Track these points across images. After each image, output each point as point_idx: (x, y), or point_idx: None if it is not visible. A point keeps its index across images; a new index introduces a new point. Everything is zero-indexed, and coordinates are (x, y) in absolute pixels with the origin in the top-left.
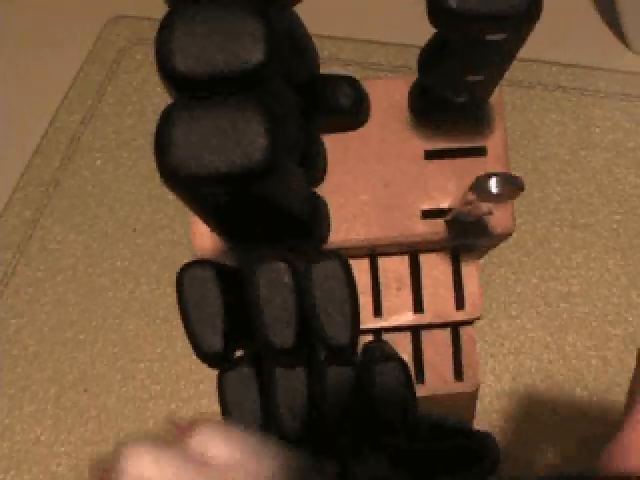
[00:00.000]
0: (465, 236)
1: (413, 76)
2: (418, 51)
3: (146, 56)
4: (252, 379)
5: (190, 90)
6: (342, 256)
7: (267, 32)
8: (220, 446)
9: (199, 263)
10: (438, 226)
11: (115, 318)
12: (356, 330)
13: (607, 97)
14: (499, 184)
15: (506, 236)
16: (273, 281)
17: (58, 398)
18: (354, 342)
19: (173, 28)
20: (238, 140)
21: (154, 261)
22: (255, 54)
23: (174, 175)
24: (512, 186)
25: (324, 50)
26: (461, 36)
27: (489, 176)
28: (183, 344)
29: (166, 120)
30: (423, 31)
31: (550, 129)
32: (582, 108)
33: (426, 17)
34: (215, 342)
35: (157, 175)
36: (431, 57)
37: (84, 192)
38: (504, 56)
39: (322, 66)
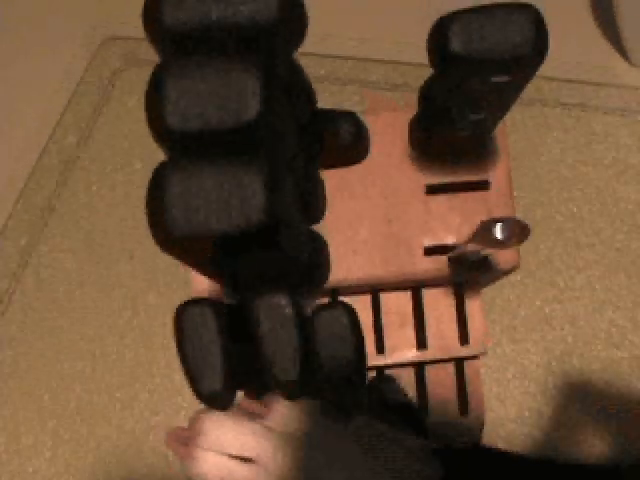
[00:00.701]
0: (469, 272)
1: (413, 110)
2: (417, 69)
3: (141, 77)
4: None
5: (183, 147)
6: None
7: (262, 87)
8: (297, 420)
9: (197, 302)
10: (441, 263)
11: (113, 346)
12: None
13: (608, 113)
14: (504, 230)
15: (511, 271)
16: (275, 315)
17: (56, 430)
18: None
19: (165, 82)
20: (235, 200)
21: (152, 289)
22: (249, 110)
23: (168, 238)
24: (518, 232)
25: (322, 69)
26: (464, 78)
27: (494, 222)
28: (182, 374)
29: (159, 180)
30: (422, 50)
31: (551, 147)
32: (583, 124)
33: (424, 37)
34: (214, 382)
35: None
36: (432, 95)
37: (80, 218)
38: (508, 96)
39: (320, 85)
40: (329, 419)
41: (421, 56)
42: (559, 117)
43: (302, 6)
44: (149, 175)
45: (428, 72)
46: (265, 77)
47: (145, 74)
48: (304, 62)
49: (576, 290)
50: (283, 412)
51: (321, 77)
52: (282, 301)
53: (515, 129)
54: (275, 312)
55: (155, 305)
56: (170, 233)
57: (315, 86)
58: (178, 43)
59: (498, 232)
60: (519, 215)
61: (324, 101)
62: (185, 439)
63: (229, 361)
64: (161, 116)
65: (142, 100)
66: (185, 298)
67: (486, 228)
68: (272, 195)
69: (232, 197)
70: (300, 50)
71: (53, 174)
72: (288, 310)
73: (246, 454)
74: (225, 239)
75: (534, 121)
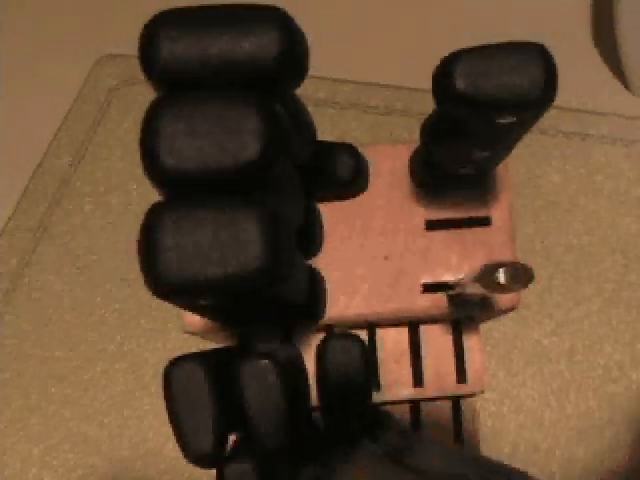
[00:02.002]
0: (467, 311)
1: (414, 143)
2: (417, 95)
3: (137, 96)
4: (252, 474)
5: (178, 188)
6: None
7: (262, 126)
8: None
9: (188, 359)
10: (440, 300)
11: (103, 372)
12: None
13: (610, 143)
14: (507, 275)
15: (510, 310)
16: (259, 381)
17: (42, 457)
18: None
19: (160, 120)
20: (231, 248)
21: (144, 314)
22: (249, 150)
23: (161, 285)
24: (521, 277)
25: (320, 92)
26: (468, 118)
27: (497, 266)
28: None
29: (152, 223)
30: (422, 74)
31: (551, 176)
32: (584, 154)
33: (422, 59)
34: (204, 444)
35: None
36: (434, 132)
37: (72, 239)
38: (513, 136)
39: (318, 109)
40: None
41: (422, 81)
42: (559, 146)
43: (304, 43)
44: (144, 197)
45: (429, 98)
46: (265, 116)
47: (142, 93)
48: (302, 84)
49: (574, 323)
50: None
51: (320, 100)
52: (267, 367)
53: (514, 158)
54: (259, 379)
55: (147, 330)
56: (162, 282)
57: (313, 110)
58: (175, 78)
59: (501, 277)
60: (517, 246)
61: (322, 125)
62: None
63: (220, 422)
64: (155, 155)
65: (138, 120)
66: (177, 325)
67: (489, 272)
68: (271, 242)
69: (228, 245)
70: None
71: (46, 194)
72: (272, 378)
73: None
74: (223, 293)
75: (534, 150)
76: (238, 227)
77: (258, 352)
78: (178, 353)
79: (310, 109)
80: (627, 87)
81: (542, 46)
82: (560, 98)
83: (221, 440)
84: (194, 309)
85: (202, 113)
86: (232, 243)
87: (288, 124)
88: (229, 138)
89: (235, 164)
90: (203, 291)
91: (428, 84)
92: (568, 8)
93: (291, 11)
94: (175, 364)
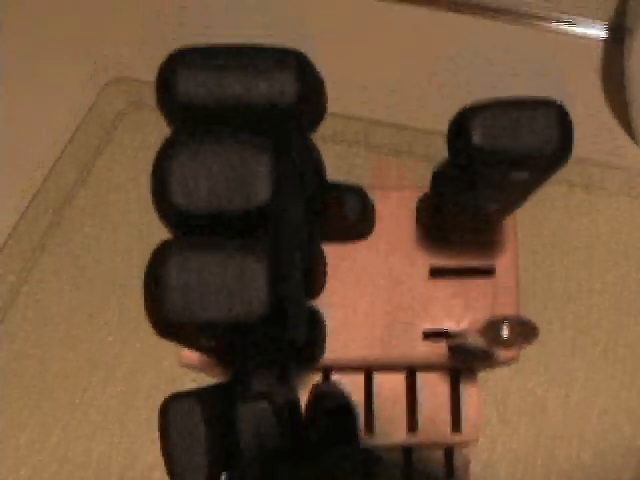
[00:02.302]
0: (467, 361)
1: (423, 188)
2: (425, 136)
3: (145, 121)
4: None
5: (187, 227)
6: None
7: (275, 171)
8: None
9: (186, 397)
10: (440, 348)
11: (95, 392)
12: None
13: (614, 195)
14: (511, 331)
15: (510, 363)
16: (256, 423)
17: (30, 478)
18: None
19: (173, 159)
20: (237, 290)
21: (140, 340)
22: (260, 194)
23: (165, 325)
24: (525, 334)
25: (328, 128)
26: (481, 172)
27: (501, 322)
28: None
29: (159, 261)
30: (431, 116)
31: (553, 226)
32: (587, 205)
33: (434, 101)
34: None
35: (148, 247)
36: (446, 181)
37: (72, 258)
38: (524, 192)
39: (325, 145)
40: None
41: (430, 122)
42: (564, 196)
43: (323, 88)
44: (146, 220)
45: (436, 140)
46: (278, 161)
47: (149, 118)
48: None
49: (570, 374)
50: None
51: (327, 137)
52: (265, 409)
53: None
54: (256, 421)
55: (141, 355)
56: (166, 321)
57: (319, 145)
58: (190, 116)
59: (505, 332)
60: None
61: (328, 161)
62: None
63: (214, 463)
64: (166, 194)
65: (144, 144)
66: (173, 352)
67: (493, 326)
68: (277, 287)
69: (234, 287)
70: None
71: (47, 212)
72: (269, 420)
73: None
74: (225, 333)
75: (537, 198)
76: (246, 271)
77: (256, 393)
78: (171, 382)
79: (318, 145)
80: (636, 141)
81: (559, 104)
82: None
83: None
84: (195, 348)
85: (215, 154)
86: (239, 287)
87: (301, 169)
88: (241, 181)
89: (245, 208)
90: (206, 333)
91: (435, 125)
92: (579, 58)
93: (303, 47)
94: (173, 400)
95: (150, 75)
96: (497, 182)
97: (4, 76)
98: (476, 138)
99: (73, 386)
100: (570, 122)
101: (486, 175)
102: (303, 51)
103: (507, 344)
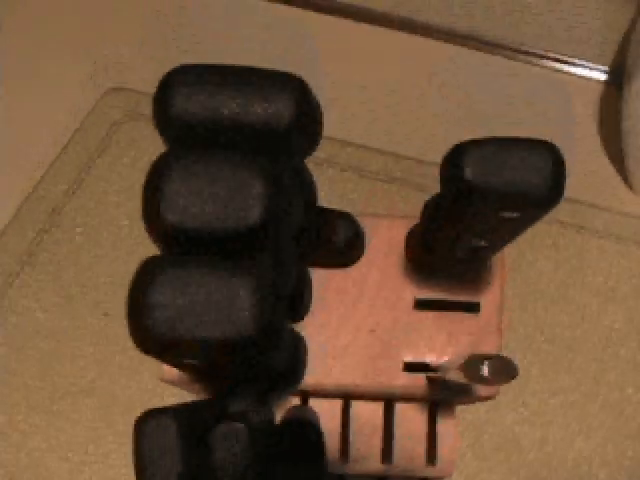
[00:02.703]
0: (446, 395)
1: (413, 218)
2: (418, 165)
3: (140, 133)
4: None
5: (176, 245)
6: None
7: (268, 193)
8: None
9: (162, 414)
10: (420, 380)
11: (72, 405)
12: None
13: (604, 238)
14: (491, 369)
15: (489, 399)
16: (230, 443)
17: None
18: None
19: (166, 175)
20: (225, 312)
21: (121, 351)
22: (252, 215)
23: (147, 342)
24: (505, 373)
25: (322, 151)
26: (472, 208)
27: (482, 359)
28: None
29: (145, 278)
30: (425, 146)
31: (542, 264)
32: (577, 246)
33: (428, 132)
34: None
35: (136, 261)
36: (436, 214)
37: (58, 268)
38: (514, 231)
39: (317, 168)
40: None
41: (423, 153)
42: (554, 235)
43: (319, 113)
44: (135, 233)
45: (429, 169)
46: (271, 183)
47: (145, 130)
48: None
49: (548, 414)
50: None
51: (319, 159)
52: (240, 431)
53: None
54: (231, 441)
55: (122, 368)
56: (149, 339)
57: (312, 168)
58: (185, 134)
59: (485, 370)
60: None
61: (320, 185)
62: None
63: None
64: (157, 211)
65: (138, 157)
66: (154, 365)
67: (473, 363)
68: (264, 308)
69: (221, 307)
70: None
71: (37, 220)
72: (244, 442)
73: None
74: (208, 354)
75: (527, 235)
76: (233, 292)
77: (233, 413)
78: (150, 395)
79: (311, 168)
80: (629, 185)
81: (553, 146)
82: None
83: None
84: (177, 366)
85: (208, 173)
86: (225, 307)
87: (293, 192)
88: (232, 201)
89: (236, 228)
90: (189, 352)
91: (429, 156)
92: (577, 99)
93: (300, 70)
94: (148, 415)
95: (148, 82)
96: (487, 219)
97: (4, 76)
98: (468, 174)
99: (51, 396)
100: (563, 166)
101: (476, 211)
102: (299, 69)
103: (487, 382)
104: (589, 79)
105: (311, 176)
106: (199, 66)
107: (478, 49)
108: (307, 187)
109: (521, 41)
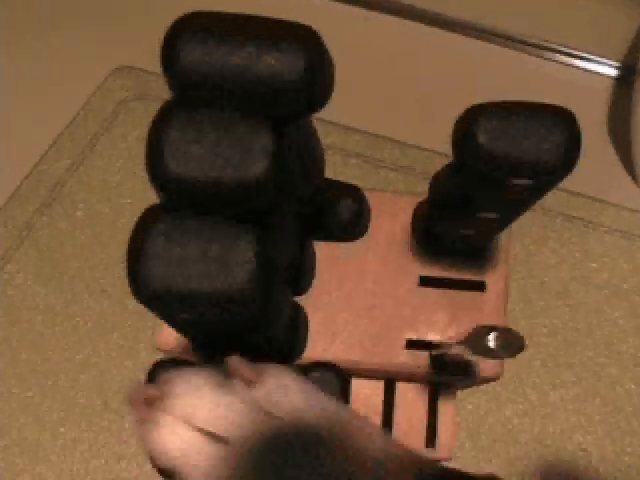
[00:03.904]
0: (448, 374)
1: (421, 195)
2: (425, 154)
3: (145, 112)
4: None
5: (177, 195)
6: None
7: (273, 146)
8: (289, 397)
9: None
10: (421, 359)
11: (66, 381)
12: None
13: (609, 233)
14: (499, 340)
15: (492, 380)
16: None
17: None
18: None
19: (171, 123)
20: (221, 265)
21: (117, 329)
22: (256, 167)
23: (144, 290)
24: (512, 345)
25: (329, 137)
26: (483, 174)
27: (490, 330)
28: (131, 422)
29: (145, 226)
30: (434, 135)
31: (546, 257)
32: (582, 240)
33: (436, 122)
34: None
35: None
36: (446, 184)
37: (57, 243)
38: (524, 201)
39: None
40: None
41: (431, 142)
42: (559, 228)
43: (331, 67)
44: (135, 212)
45: (436, 159)
46: (277, 136)
47: (151, 110)
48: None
49: (548, 407)
50: (276, 388)
51: (326, 145)
52: None
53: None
54: None
55: (117, 346)
56: (145, 287)
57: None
58: (192, 82)
59: (492, 341)
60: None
61: (327, 170)
62: (150, 399)
63: None
64: (160, 158)
65: (142, 136)
66: (150, 345)
67: (480, 334)
68: (260, 268)
69: (217, 262)
70: None
71: (38, 194)
72: None
73: (219, 432)
74: (206, 309)
75: (533, 227)
76: (230, 246)
77: None
78: (145, 374)
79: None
80: (636, 180)
81: (569, 112)
82: (568, 180)
83: None
84: (174, 322)
85: (213, 123)
86: (221, 261)
87: (300, 150)
88: (237, 152)
89: (239, 179)
90: (184, 303)
91: (437, 145)
92: (587, 93)
93: None
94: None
95: (156, 61)
96: (497, 187)
97: (10, 52)
98: (482, 138)
99: (46, 371)
100: (578, 133)
101: (488, 178)
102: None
103: (492, 354)
104: (599, 74)
105: (318, 138)
106: (208, 13)
107: (489, 41)
108: (315, 148)
109: (532, 34)
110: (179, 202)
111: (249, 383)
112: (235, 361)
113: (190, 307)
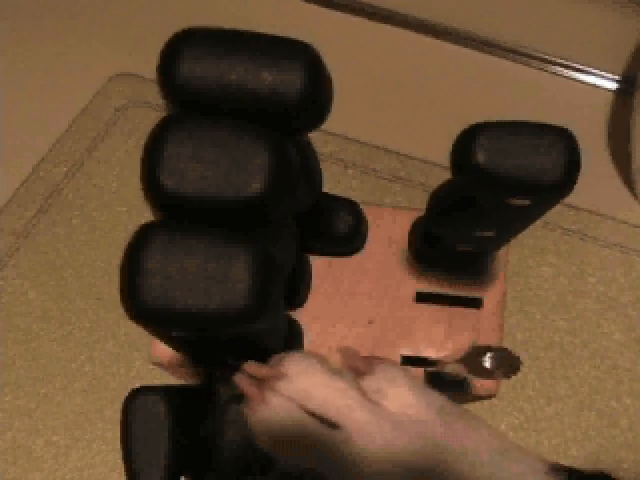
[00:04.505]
0: (443, 391)
1: (419, 210)
2: (423, 166)
3: (144, 119)
4: None
5: (175, 212)
6: None
7: (272, 163)
8: (398, 390)
9: (153, 390)
10: (417, 375)
11: (60, 389)
12: None
13: (607, 246)
14: (494, 361)
15: (487, 398)
16: (238, 426)
17: None
18: None
19: (168, 138)
20: (220, 282)
21: (112, 336)
22: (254, 185)
23: (138, 309)
24: (508, 366)
25: (327, 146)
26: (481, 193)
27: (485, 350)
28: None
29: (141, 242)
30: (431, 147)
31: (543, 270)
32: (580, 254)
33: (434, 133)
34: None
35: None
36: (443, 204)
37: (53, 250)
38: (523, 221)
39: (322, 164)
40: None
41: (429, 153)
42: (557, 241)
43: (329, 85)
44: (132, 219)
45: (433, 170)
46: (276, 153)
47: (149, 117)
48: (310, 136)
49: (543, 421)
50: (385, 381)
51: (324, 155)
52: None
53: (510, 246)
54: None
55: (112, 354)
56: (140, 305)
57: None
58: (190, 99)
59: (487, 361)
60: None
61: (323, 181)
62: (260, 378)
63: (175, 462)
64: (156, 174)
65: (141, 143)
66: (145, 353)
67: (476, 354)
68: (260, 285)
69: (216, 280)
70: None
71: (36, 200)
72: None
73: (331, 416)
74: (201, 327)
75: (530, 240)
76: (229, 263)
77: (240, 396)
78: (140, 382)
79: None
80: (635, 195)
81: (569, 132)
82: (574, 198)
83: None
84: (168, 340)
85: (211, 139)
86: (220, 278)
87: (297, 167)
88: (235, 170)
89: (237, 197)
90: (180, 322)
91: (436, 157)
92: (586, 106)
93: None
94: (138, 393)
95: (154, 69)
96: (495, 206)
97: (9, 57)
98: (480, 157)
99: (40, 378)
100: (578, 152)
101: (485, 196)
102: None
103: (488, 374)
104: (599, 87)
105: (316, 154)
106: (206, 29)
107: (489, 53)
108: (312, 165)
109: (533, 47)
110: (175, 218)
111: (360, 374)
112: (349, 351)
113: (186, 326)
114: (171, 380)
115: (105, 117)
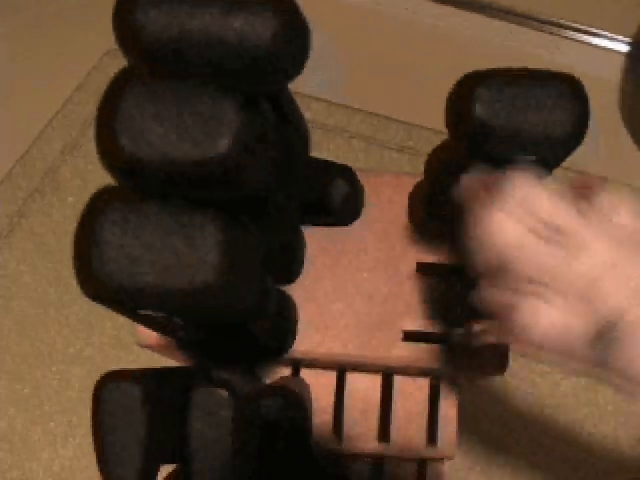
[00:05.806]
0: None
1: (419, 175)
2: (429, 134)
3: None
4: None
5: (135, 178)
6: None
7: (240, 120)
8: (628, 212)
9: (125, 377)
10: (420, 352)
11: (57, 374)
12: None
13: None
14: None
15: (495, 374)
16: (209, 414)
17: None
18: None
19: (125, 95)
20: (186, 257)
21: (110, 320)
22: (219, 144)
23: (94, 285)
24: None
25: (331, 117)
26: (481, 150)
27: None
28: None
29: (96, 211)
30: (438, 115)
31: None
32: None
33: (442, 100)
34: (129, 475)
35: None
36: (443, 162)
37: (49, 231)
38: None
39: (326, 135)
40: None
41: (436, 122)
42: None
43: (306, 34)
44: None
45: (441, 139)
46: (244, 109)
47: None
48: (313, 107)
49: (559, 397)
50: (609, 204)
51: (329, 127)
52: (222, 399)
53: None
54: (211, 411)
55: (110, 337)
56: (95, 282)
57: (322, 136)
58: (150, 50)
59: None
60: None
61: (326, 153)
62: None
63: (151, 453)
64: (112, 136)
65: None
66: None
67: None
68: (231, 260)
69: (181, 254)
70: (310, 94)
71: (32, 179)
72: (225, 411)
73: (556, 233)
74: (167, 306)
75: None
76: (196, 236)
77: (217, 379)
78: (139, 366)
79: (319, 135)
80: None
81: (575, 79)
82: (577, 160)
83: (149, 473)
84: (133, 318)
85: (173, 96)
86: (186, 253)
87: (271, 121)
88: (199, 128)
89: (200, 157)
90: (142, 300)
91: (444, 125)
92: (598, 70)
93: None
94: (109, 380)
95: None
96: (497, 164)
97: (7, 36)
98: (479, 110)
99: (37, 363)
100: (586, 102)
101: (486, 155)
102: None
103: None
104: (610, 50)
105: (298, 107)
106: None
107: (498, 18)
108: (294, 122)
109: (543, 11)
110: (136, 185)
111: (583, 197)
112: (581, 179)
113: (149, 305)
114: (169, 362)
115: (100, 93)
